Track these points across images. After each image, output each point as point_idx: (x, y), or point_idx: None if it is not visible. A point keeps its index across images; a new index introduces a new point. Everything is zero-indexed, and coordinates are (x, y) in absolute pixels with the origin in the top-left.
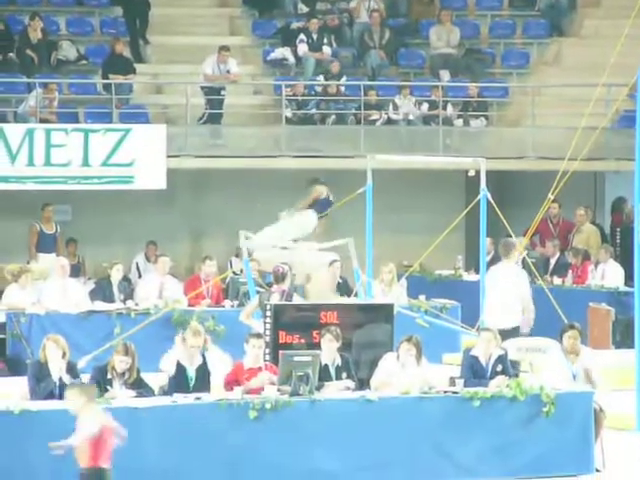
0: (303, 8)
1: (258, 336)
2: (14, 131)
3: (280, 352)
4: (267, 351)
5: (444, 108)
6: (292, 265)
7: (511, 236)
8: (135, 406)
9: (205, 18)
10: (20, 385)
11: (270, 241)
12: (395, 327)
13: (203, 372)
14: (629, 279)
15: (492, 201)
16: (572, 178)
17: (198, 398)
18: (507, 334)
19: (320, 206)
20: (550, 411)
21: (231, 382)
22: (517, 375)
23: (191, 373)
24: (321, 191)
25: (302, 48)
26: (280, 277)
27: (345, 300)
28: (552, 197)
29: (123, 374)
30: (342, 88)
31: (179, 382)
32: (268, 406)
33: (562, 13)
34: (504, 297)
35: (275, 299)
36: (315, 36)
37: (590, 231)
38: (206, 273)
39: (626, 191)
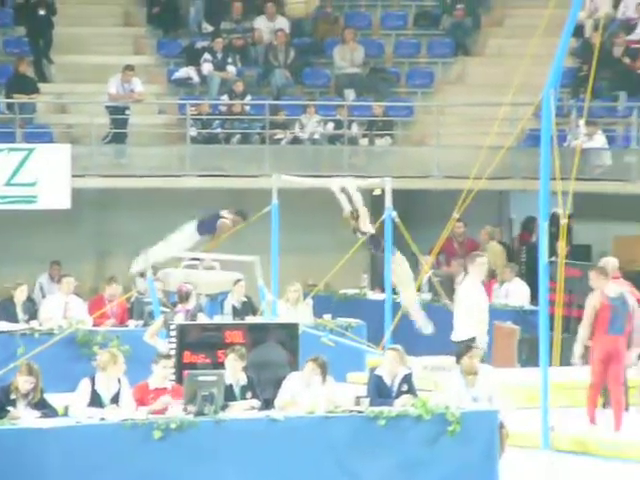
0: (208, 27)
1: (168, 357)
2: None
3: (185, 372)
4: (172, 371)
5: (349, 127)
6: (196, 284)
7: (415, 255)
8: (39, 427)
9: (110, 37)
10: None
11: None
12: (300, 346)
13: (118, 400)
14: (534, 298)
15: (398, 220)
16: (477, 197)
17: (103, 418)
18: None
19: (207, 226)
20: (455, 430)
21: (136, 402)
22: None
23: (106, 401)
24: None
25: (207, 67)
26: (184, 297)
27: (250, 319)
28: (457, 216)
29: (27, 394)
30: (247, 107)
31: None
32: (173, 426)
33: (466, 32)
34: (458, 310)
35: (180, 319)
36: (220, 55)
37: (496, 250)
38: (110, 294)
39: (532, 210)
